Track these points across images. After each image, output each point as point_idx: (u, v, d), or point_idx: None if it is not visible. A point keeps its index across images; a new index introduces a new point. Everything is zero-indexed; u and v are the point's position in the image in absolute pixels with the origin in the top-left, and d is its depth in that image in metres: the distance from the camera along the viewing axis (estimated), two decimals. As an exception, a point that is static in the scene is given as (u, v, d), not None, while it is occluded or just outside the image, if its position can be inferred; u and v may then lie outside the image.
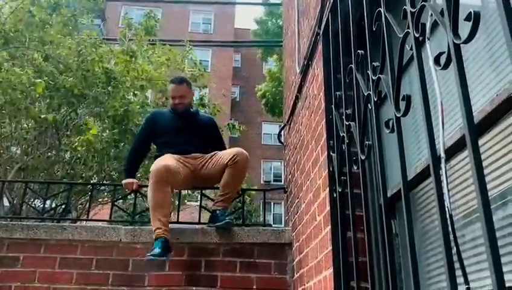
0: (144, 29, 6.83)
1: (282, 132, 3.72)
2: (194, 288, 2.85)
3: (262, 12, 23.51)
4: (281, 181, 22.40)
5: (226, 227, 2.96)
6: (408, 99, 1.05)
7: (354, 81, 1.48)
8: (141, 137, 3.47)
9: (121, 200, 4.17)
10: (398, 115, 1.09)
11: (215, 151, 3.20)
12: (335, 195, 1.76)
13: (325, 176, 2.10)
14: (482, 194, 0.84)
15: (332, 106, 1.82)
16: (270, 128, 28.54)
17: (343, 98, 1.67)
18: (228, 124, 7.47)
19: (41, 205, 3.29)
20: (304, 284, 2.52)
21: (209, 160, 3.15)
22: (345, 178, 1.63)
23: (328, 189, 2.00)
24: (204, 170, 3.12)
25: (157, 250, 2.65)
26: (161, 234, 2.72)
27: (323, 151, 2.16)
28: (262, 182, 25.85)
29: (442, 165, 1.08)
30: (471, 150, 0.88)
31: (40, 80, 4.10)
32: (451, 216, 1.04)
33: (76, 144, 4.37)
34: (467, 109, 0.89)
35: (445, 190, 0.95)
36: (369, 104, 1.32)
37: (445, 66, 0.88)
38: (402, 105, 1.08)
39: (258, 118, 28.15)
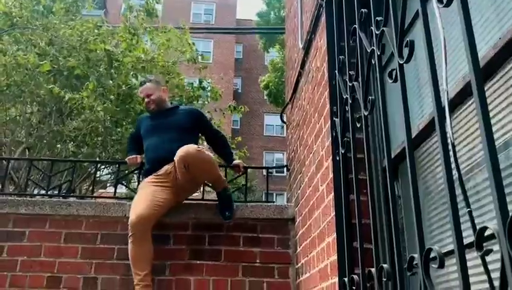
0: (145, 10, 6.79)
1: (285, 111, 3.73)
2: (197, 262, 2.88)
3: (264, 5, 23.47)
4: (283, 173, 22.43)
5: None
6: (411, 45, 1.06)
7: (358, 40, 1.48)
8: (132, 136, 3.47)
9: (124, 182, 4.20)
10: (401, 62, 1.10)
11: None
12: (338, 158, 1.77)
13: (328, 145, 2.12)
14: (488, 142, 0.79)
15: (336, 71, 1.83)
16: (272, 120, 28.54)
17: (346, 61, 1.68)
18: (229, 106, 7.46)
19: (46, 183, 3.31)
20: (307, 256, 2.55)
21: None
22: (348, 139, 1.64)
23: (331, 157, 2.02)
24: (179, 181, 2.85)
25: None
26: (142, 286, 2.64)
27: (327, 121, 2.18)
28: (264, 172, 25.92)
29: (447, 113, 1.10)
30: (477, 96, 0.85)
31: (45, 61, 4.11)
32: (457, 164, 1.05)
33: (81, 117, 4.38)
34: (472, 51, 0.88)
35: (449, 132, 0.96)
36: (372, 60, 1.33)
37: (448, 4, 0.89)
38: (405, 53, 1.10)
39: (260, 109, 28.15)
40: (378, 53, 1.27)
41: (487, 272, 0.74)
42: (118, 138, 5.15)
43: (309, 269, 2.48)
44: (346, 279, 1.56)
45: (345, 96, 1.67)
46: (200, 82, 6.82)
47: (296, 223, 2.98)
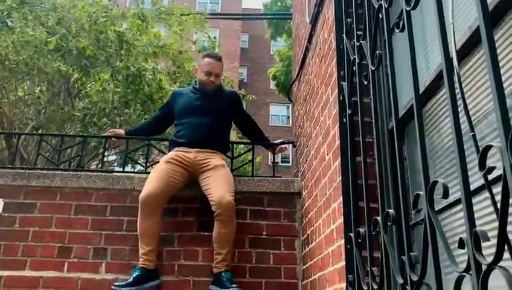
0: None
1: (291, 88, 3.75)
2: (206, 233, 2.92)
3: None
4: (289, 163, 22.45)
5: None
6: (418, -10, 1.08)
7: (366, -1, 1.50)
8: (160, 110, 3.50)
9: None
10: (408, 8, 1.12)
11: (219, 164, 2.90)
12: (345, 120, 1.80)
13: (335, 113, 2.14)
14: (497, 90, 0.78)
15: (344, 35, 1.85)
16: (277, 110, 28.55)
17: (354, 23, 1.69)
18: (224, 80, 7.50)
19: (56, 159, 3.36)
20: (313, 226, 2.59)
21: (212, 164, 2.89)
22: (355, 100, 1.67)
23: (338, 125, 2.05)
24: (202, 171, 2.87)
25: (129, 279, 2.65)
26: (141, 264, 2.70)
27: (334, 89, 2.20)
28: (269, 163, 25.98)
29: (455, 63, 1.12)
30: (487, 42, 0.84)
31: (52, 38, 4.15)
32: (468, 113, 1.07)
33: (90, 90, 4.44)
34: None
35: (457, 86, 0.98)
36: (380, 14, 1.35)
37: None
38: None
39: (266, 99, 28.13)
40: (386, 6, 1.29)
41: (490, 190, 0.77)
42: (126, 118, 5.20)
43: (315, 238, 2.52)
44: (352, 234, 1.59)
45: (352, 57, 1.69)
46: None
47: (303, 196, 3.02)
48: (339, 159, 1.99)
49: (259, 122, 3.44)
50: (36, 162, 3.44)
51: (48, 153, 3.62)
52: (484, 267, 0.75)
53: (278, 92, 19.03)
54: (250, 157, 3.61)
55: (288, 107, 27.57)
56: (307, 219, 2.82)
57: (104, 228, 2.96)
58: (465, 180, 0.88)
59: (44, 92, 4.95)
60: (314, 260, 2.50)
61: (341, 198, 1.93)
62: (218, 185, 2.78)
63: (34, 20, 5.11)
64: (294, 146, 3.48)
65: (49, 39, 4.28)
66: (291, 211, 3.07)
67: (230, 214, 2.72)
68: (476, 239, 0.77)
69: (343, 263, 1.81)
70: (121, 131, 3.37)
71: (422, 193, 1.01)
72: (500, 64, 1.14)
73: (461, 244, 0.82)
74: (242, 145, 5.37)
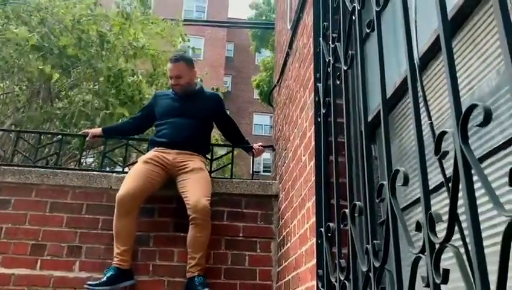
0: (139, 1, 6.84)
1: (272, 93, 3.80)
2: (182, 234, 2.92)
3: (253, 11, 23.67)
4: (271, 172, 22.50)
5: None
6: (387, -8, 1.13)
7: (341, 1, 1.56)
8: (140, 111, 3.47)
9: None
10: (377, 9, 1.17)
11: (197, 167, 2.90)
12: (319, 120, 1.85)
13: (312, 115, 2.19)
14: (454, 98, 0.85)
15: (320, 38, 1.90)
16: (261, 119, 28.68)
17: (330, 26, 1.75)
18: (212, 88, 7.53)
19: (34, 155, 3.33)
20: (288, 227, 2.62)
21: (191, 166, 2.88)
22: (329, 100, 1.72)
23: (314, 127, 2.10)
24: (180, 172, 2.88)
25: (103, 279, 2.64)
26: (115, 263, 2.69)
27: (311, 92, 2.25)
28: (251, 172, 25.93)
29: (416, 60, 1.17)
30: (445, 49, 0.89)
31: (33, 34, 4.13)
32: (426, 104, 1.13)
33: (73, 95, 4.41)
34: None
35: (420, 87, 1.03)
36: (353, 16, 1.41)
37: None
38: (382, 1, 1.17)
39: (249, 108, 28.28)
40: (359, 8, 1.35)
41: (443, 173, 0.82)
42: (105, 119, 5.16)
43: (290, 239, 2.55)
44: (322, 229, 1.63)
45: (327, 59, 1.74)
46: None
47: (280, 199, 3.05)
48: (314, 161, 2.03)
49: (243, 131, 3.46)
50: (13, 160, 3.40)
51: (25, 152, 3.58)
52: (437, 246, 0.79)
53: (261, 100, 19.17)
54: (242, 158, 3.64)
55: (271, 117, 27.73)
56: (283, 221, 2.85)
57: (80, 226, 2.94)
58: (422, 167, 0.93)
59: (24, 91, 4.90)
60: (289, 260, 2.53)
61: (314, 197, 1.97)
62: (194, 189, 2.78)
63: (16, 20, 5.08)
64: (273, 150, 3.52)
65: (30, 35, 4.25)
66: (268, 213, 3.10)
67: (205, 218, 2.72)
68: (431, 221, 0.82)
69: (315, 260, 1.85)
70: (98, 130, 3.34)
71: (385, 182, 1.05)
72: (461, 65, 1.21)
73: (418, 227, 0.87)
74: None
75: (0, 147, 4.27)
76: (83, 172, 3.14)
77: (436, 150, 0.81)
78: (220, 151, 4.83)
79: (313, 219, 1.97)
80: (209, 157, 3.34)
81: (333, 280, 1.42)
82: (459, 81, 1.13)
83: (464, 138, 0.72)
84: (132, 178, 2.82)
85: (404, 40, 1.12)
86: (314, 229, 1.95)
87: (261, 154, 3.38)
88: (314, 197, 1.96)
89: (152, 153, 2.95)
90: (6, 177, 2.99)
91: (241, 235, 3.02)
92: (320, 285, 1.61)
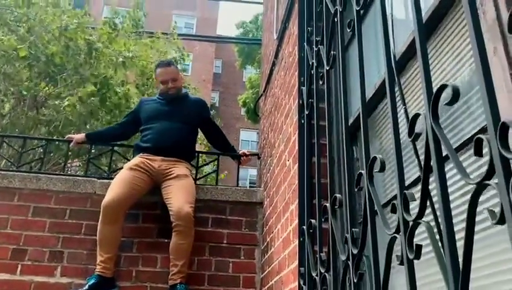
0: (131, 19, 6.91)
1: (258, 103, 3.85)
2: (165, 240, 2.91)
3: (240, 29, 24.08)
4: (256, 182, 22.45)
5: None
6: (366, -8, 1.19)
7: (324, 6, 1.62)
8: (126, 116, 3.45)
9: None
10: (357, 8, 1.23)
11: (182, 174, 2.90)
12: (303, 122, 1.89)
13: (296, 121, 2.24)
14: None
15: (305, 43, 1.96)
16: (247, 135, 28.72)
17: (314, 30, 1.81)
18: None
19: (17, 159, 3.31)
20: (272, 232, 2.64)
21: (176, 173, 2.89)
22: (312, 101, 1.77)
23: (297, 131, 2.14)
24: (165, 179, 2.88)
25: (85, 287, 2.61)
26: (98, 271, 2.66)
27: (295, 98, 2.30)
28: (236, 179, 25.90)
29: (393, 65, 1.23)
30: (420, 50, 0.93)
31: (23, 45, 4.13)
32: (400, 88, 1.18)
33: (66, 102, 4.41)
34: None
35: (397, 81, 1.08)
36: (335, 19, 1.47)
37: None
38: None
39: (236, 125, 28.34)
40: (340, 9, 1.40)
41: (417, 156, 0.86)
42: (92, 128, 5.15)
43: (273, 244, 2.57)
44: (304, 227, 1.66)
45: (311, 62, 1.80)
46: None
47: (264, 205, 3.08)
48: (298, 164, 2.07)
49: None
50: (-5, 164, 3.38)
51: (9, 159, 3.54)
52: (411, 224, 0.83)
53: (247, 118, 19.27)
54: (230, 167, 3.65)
55: (258, 133, 27.82)
56: (267, 227, 2.87)
57: (62, 231, 2.91)
58: (397, 148, 0.97)
59: (9, 97, 4.86)
60: (272, 265, 2.54)
61: (297, 200, 2.00)
62: (178, 196, 2.77)
63: (2, 27, 5.08)
64: (258, 158, 3.55)
65: (20, 46, 4.26)
66: (253, 220, 3.11)
67: (188, 225, 2.71)
68: (405, 201, 0.85)
69: (298, 261, 1.87)
70: (81, 135, 3.31)
71: (363, 171, 1.09)
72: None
73: (393, 209, 0.90)
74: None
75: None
76: (67, 177, 3.12)
77: (409, 132, 0.85)
78: (207, 159, 4.84)
79: (296, 221, 2.00)
80: (195, 164, 3.36)
81: (314, 275, 1.45)
82: (435, 79, 1.18)
83: (435, 116, 0.76)
84: (118, 185, 2.80)
85: (382, 40, 1.18)
86: (297, 231, 1.97)
87: (248, 162, 3.40)
88: (298, 200, 1.99)
89: (137, 160, 2.95)
90: (-12, 181, 2.96)
91: (225, 242, 3.02)
92: (302, 282, 1.63)
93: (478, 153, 0.65)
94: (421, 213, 0.79)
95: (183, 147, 3.07)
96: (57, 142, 4.46)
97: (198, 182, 3.28)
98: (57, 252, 2.85)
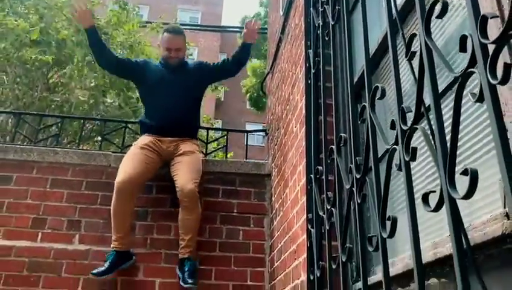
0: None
1: (265, 81, 3.95)
2: (178, 209, 3.02)
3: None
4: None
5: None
6: None
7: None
8: (128, 60, 3.27)
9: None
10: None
11: (189, 150, 2.95)
12: (309, 82, 1.99)
13: (302, 88, 2.34)
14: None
15: (311, 8, 2.06)
16: (253, 128, 28.91)
17: (319, -6, 1.90)
18: (211, 87, 7.72)
19: (35, 136, 3.44)
20: (281, 198, 2.75)
21: (183, 149, 2.95)
22: (318, 59, 1.87)
23: (305, 97, 2.24)
24: (173, 156, 2.94)
25: (105, 265, 2.69)
26: (114, 247, 2.75)
27: (302, 66, 2.40)
28: (245, 153, 26.01)
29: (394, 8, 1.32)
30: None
31: (36, 28, 4.25)
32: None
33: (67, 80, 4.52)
34: None
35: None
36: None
37: None
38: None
39: (242, 118, 28.46)
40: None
41: (412, 71, 0.97)
42: (104, 109, 5.28)
43: (282, 209, 2.68)
44: (312, 175, 1.77)
45: (317, 23, 1.90)
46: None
47: (272, 177, 3.19)
48: (305, 126, 2.17)
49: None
50: (13, 141, 3.51)
51: (26, 139, 3.68)
52: (407, 132, 0.93)
53: (250, 106, 19.43)
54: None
55: (263, 126, 27.90)
56: (275, 196, 2.98)
57: (79, 201, 3.04)
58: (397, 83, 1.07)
59: (22, 78, 5.00)
60: (280, 229, 2.66)
61: (305, 159, 2.10)
62: (183, 172, 2.83)
63: (14, 15, 5.20)
64: (266, 134, 3.66)
65: (32, 28, 4.39)
66: (262, 191, 3.23)
67: (192, 201, 2.76)
68: (403, 114, 0.96)
69: (305, 214, 1.97)
70: (92, 20, 3.01)
71: (366, 103, 1.20)
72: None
73: (392, 125, 1.01)
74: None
75: (1, 131, 4.37)
76: (83, 151, 3.25)
77: (406, 52, 0.95)
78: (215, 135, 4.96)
79: (304, 180, 2.11)
80: (205, 140, 3.48)
81: (321, 213, 1.55)
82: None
83: (427, 31, 0.86)
84: (130, 164, 2.83)
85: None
86: (304, 189, 2.08)
87: (254, 35, 3.09)
88: (305, 159, 2.09)
89: (147, 139, 2.97)
90: (8, 154, 3.09)
91: (235, 211, 3.14)
92: (310, 227, 1.73)
93: (463, 49, 0.75)
94: (416, 118, 0.90)
95: (188, 126, 3.10)
96: (70, 120, 4.63)
97: (208, 158, 3.39)
98: (75, 221, 2.98)
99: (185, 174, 2.82)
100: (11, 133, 3.67)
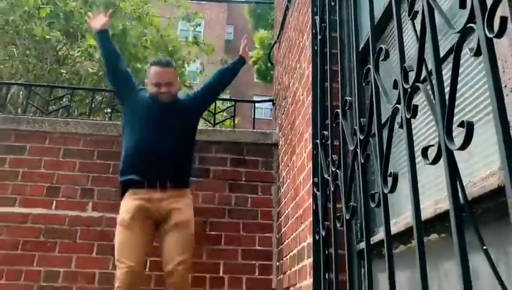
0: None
1: (272, 51, 3.95)
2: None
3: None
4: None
5: None
6: None
7: None
8: (127, 70, 2.90)
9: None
10: None
11: (184, 220, 2.53)
12: (316, 48, 2.01)
13: (309, 56, 2.35)
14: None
15: (317, -25, 2.05)
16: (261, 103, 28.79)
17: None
18: (221, 59, 7.73)
19: (46, 107, 3.50)
20: (288, 165, 2.80)
21: (175, 219, 2.51)
22: (325, 25, 1.88)
23: (311, 65, 2.25)
24: (163, 223, 2.53)
25: None
26: None
27: (309, 33, 2.40)
28: (252, 123, 26.19)
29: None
30: None
31: (45, 6, 4.28)
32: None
33: (77, 54, 4.58)
34: None
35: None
36: None
37: None
38: None
39: (249, 92, 28.37)
40: None
41: (415, 30, 0.99)
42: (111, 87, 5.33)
43: (289, 176, 2.73)
44: (318, 141, 1.80)
45: (323, -10, 1.89)
46: (195, 37, 7.12)
47: (279, 146, 3.23)
48: (311, 95, 2.19)
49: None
50: (25, 113, 3.58)
51: (36, 109, 3.75)
52: (409, 90, 0.96)
53: (258, 78, 19.38)
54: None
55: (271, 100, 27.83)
56: (282, 164, 3.03)
57: (91, 170, 3.12)
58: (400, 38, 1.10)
59: (31, 50, 5.05)
60: (288, 196, 2.72)
61: (311, 126, 2.14)
62: (174, 253, 2.45)
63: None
64: (273, 104, 3.69)
65: (43, 6, 4.41)
66: (269, 160, 3.28)
67: (182, 281, 2.43)
68: (405, 73, 0.98)
69: (311, 179, 2.02)
70: (106, 22, 2.82)
71: (370, 65, 1.22)
72: None
73: (395, 84, 1.03)
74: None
75: (12, 103, 4.45)
76: (94, 121, 3.31)
77: (409, 12, 0.97)
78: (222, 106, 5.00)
79: (310, 147, 2.14)
80: (212, 110, 3.52)
81: (326, 176, 1.60)
82: None
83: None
84: (132, 243, 2.42)
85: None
86: (311, 156, 2.12)
87: (247, 49, 3.14)
88: (311, 126, 2.13)
89: (133, 204, 2.52)
90: (21, 125, 3.17)
91: (243, 179, 3.21)
92: (315, 190, 1.78)
93: (462, 5, 0.77)
94: (418, 77, 0.92)
95: (178, 173, 2.63)
96: (80, 92, 4.69)
97: (217, 127, 3.44)
98: (88, 190, 3.07)
99: (174, 254, 2.44)
100: (23, 105, 3.74)
